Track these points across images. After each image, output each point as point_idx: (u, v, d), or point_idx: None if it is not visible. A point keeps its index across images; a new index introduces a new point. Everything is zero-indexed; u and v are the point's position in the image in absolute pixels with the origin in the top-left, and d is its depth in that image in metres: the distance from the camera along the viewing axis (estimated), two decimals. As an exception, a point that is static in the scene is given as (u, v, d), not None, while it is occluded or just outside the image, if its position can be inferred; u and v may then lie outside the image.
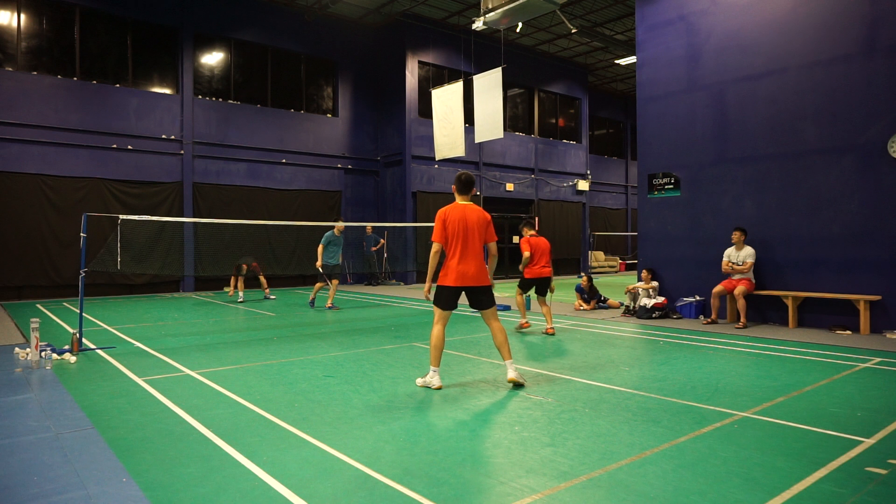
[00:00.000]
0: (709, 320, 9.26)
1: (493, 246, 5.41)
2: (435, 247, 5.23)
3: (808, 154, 8.92)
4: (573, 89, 23.57)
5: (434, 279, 5.30)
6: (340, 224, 11.38)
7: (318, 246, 11.33)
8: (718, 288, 9.13)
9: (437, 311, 5.27)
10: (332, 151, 18.42)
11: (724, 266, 9.24)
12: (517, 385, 5.21)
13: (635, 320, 9.77)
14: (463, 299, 5.34)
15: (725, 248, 9.33)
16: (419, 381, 5.32)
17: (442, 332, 5.23)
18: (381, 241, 17.11)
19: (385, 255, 18.08)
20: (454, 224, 5.20)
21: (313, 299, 11.84)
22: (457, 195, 5.42)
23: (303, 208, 17.47)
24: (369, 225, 16.12)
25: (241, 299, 12.63)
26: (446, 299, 5.23)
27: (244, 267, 12.88)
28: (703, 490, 3.01)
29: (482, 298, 5.28)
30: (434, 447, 3.67)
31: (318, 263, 11.26)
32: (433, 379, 5.20)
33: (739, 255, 9.10)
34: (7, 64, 13.37)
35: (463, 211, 5.26)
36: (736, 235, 9.11)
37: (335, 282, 11.72)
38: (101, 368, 5.99)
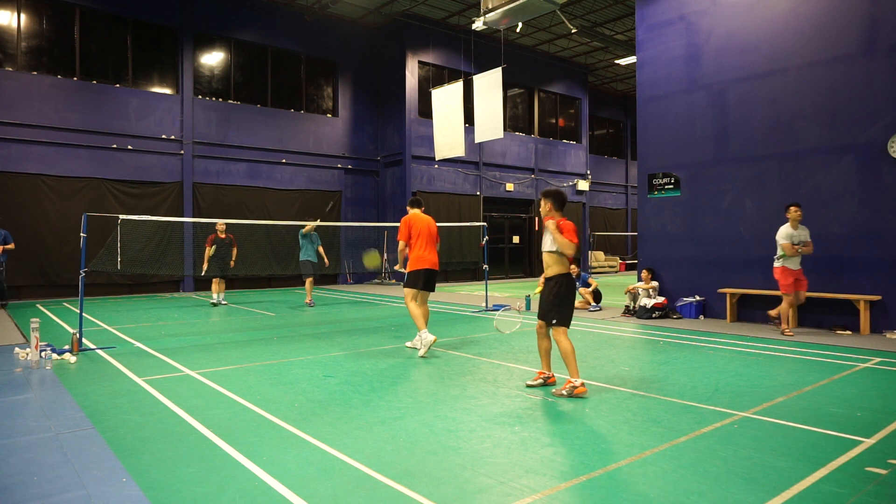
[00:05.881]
0: (784, 327, 8.14)
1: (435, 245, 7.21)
2: (401, 245, 7.00)
3: (808, 154, 8.92)
4: (573, 89, 23.56)
5: (404, 266, 7.09)
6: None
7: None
8: (791, 299, 8.04)
9: (411, 291, 6.92)
10: (332, 151, 18.42)
11: (787, 249, 7.89)
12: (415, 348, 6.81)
13: (635, 320, 9.76)
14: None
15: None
16: (409, 343, 7.07)
17: (416, 305, 6.92)
18: (11, 244, 11.68)
19: None
20: (418, 228, 6.97)
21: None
22: (412, 209, 7.20)
23: (303, 208, 17.47)
24: None
25: (223, 302, 12.29)
26: (415, 280, 6.91)
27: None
28: (703, 490, 3.01)
29: (433, 280, 7.03)
30: (434, 447, 3.67)
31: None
32: (426, 336, 6.58)
33: (802, 234, 8.01)
34: (7, 64, 13.37)
35: (423, 219, 7.07)
36: (795, 211, 7.96)
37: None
38: (101, 368, 5.99)
